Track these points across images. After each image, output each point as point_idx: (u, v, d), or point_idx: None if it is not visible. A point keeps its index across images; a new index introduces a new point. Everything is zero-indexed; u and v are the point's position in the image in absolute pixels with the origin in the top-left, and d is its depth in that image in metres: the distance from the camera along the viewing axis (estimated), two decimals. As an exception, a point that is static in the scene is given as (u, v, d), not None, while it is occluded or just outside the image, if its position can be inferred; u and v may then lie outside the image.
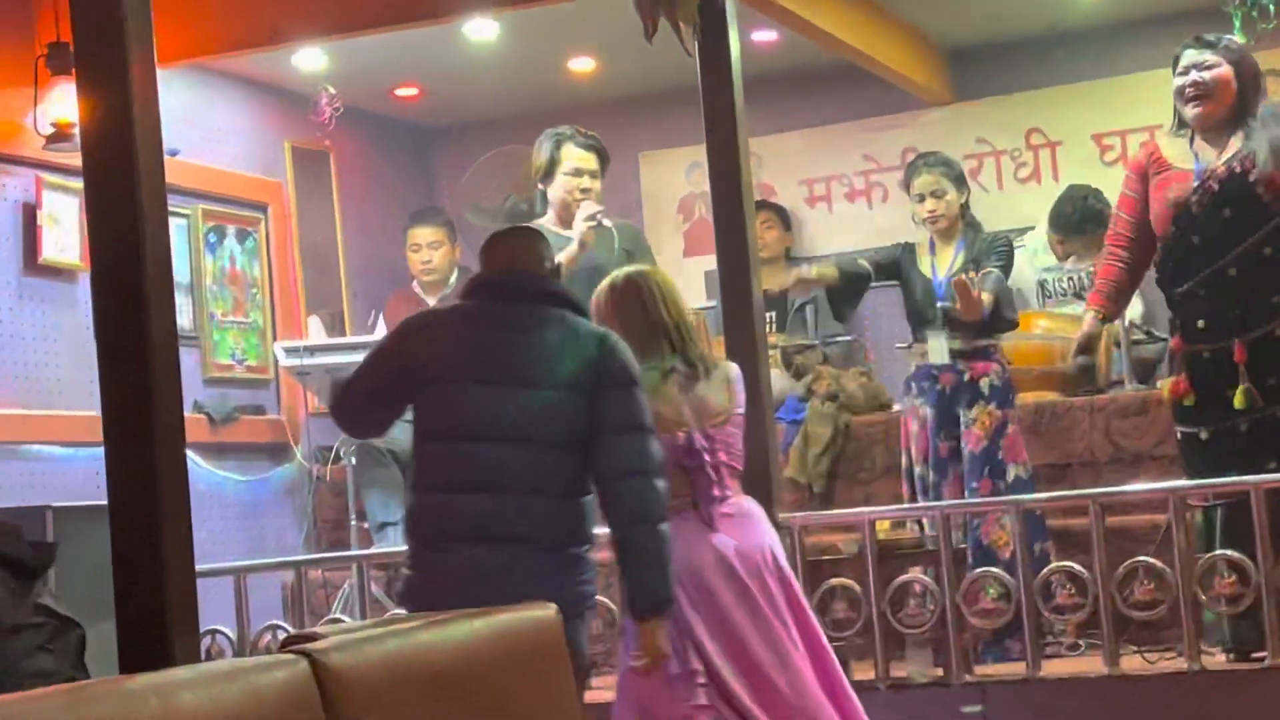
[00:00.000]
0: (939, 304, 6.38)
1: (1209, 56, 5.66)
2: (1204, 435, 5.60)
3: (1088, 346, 6.09)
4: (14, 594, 3.36)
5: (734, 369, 5.13)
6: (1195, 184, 5.60)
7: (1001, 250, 6.48)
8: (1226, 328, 5.53)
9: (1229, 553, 5.38)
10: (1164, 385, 5.79)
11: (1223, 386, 5.51)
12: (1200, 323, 5.59)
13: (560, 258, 6.38)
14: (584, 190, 6.61)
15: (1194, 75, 5.65)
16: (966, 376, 6.34)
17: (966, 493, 6.23)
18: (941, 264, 6.48)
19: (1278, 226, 5.52)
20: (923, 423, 6.38)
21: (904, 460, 6.50)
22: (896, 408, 6.94)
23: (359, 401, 4.61)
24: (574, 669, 3.33)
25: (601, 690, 5.26)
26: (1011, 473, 6.30)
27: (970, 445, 6.29)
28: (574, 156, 6.65)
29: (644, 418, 4.38)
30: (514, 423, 4.31)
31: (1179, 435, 5.73)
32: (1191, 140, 5.72)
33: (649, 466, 4.34)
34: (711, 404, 4.97)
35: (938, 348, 6.34)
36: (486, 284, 4.53)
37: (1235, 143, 5.62)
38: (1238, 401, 5.46)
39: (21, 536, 3.52)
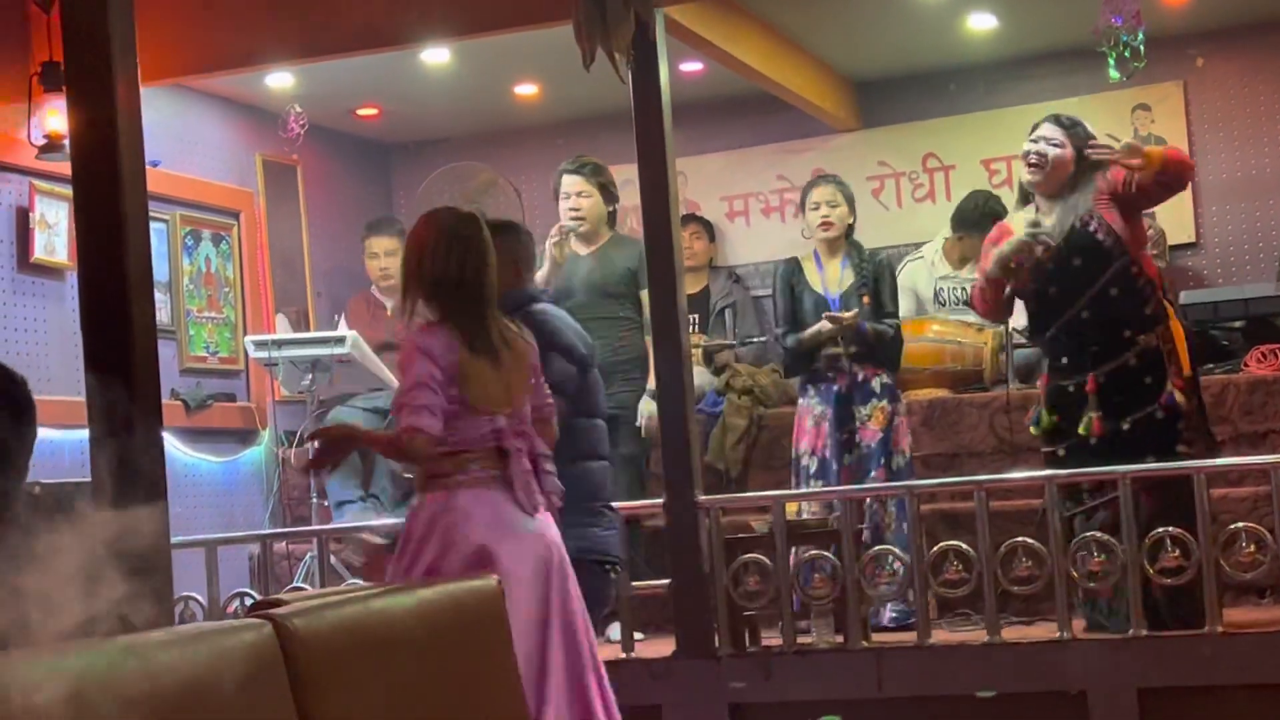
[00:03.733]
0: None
1: (1059, 135, 5.70)
2: (1060, 452, 5.67)
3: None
4: None
5: None
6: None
7: (892, 289, 6.58)
8: (1084, 363, 5.61)
9: (1098, 534, 5.44)
10: (1042, 421, 5.75)
11: (1079, 413, 5.59)
12: (1064, 360, 5.66)
13: (538, 277, 6.43)
14: (573, 210, 6.62)
15: (1040, 145, 5.70)
16: (860, 377, 6.39)
17: (864, 480, 6.26)
18: (831, 280, 6.50)
19: (1119, 269, 5.60)
20: (818, 420, 6.40)
21: (793, 452, 6.51)
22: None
23: None
24: None
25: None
26: (895, 460, 6.38)
27: (867, 438, 6.34)
28: (565, 184, 6.69)
29: None
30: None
31: (1044, 454, 5.80)
32: (1036, 208, 5.76)
33: None
34: None
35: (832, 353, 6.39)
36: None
37: (1065, 200, 5.69)
38: (1081, 428, 5.57)
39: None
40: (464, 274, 4.30)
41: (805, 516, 6.19)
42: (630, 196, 8.84)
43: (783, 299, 6.57)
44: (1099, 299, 5.60)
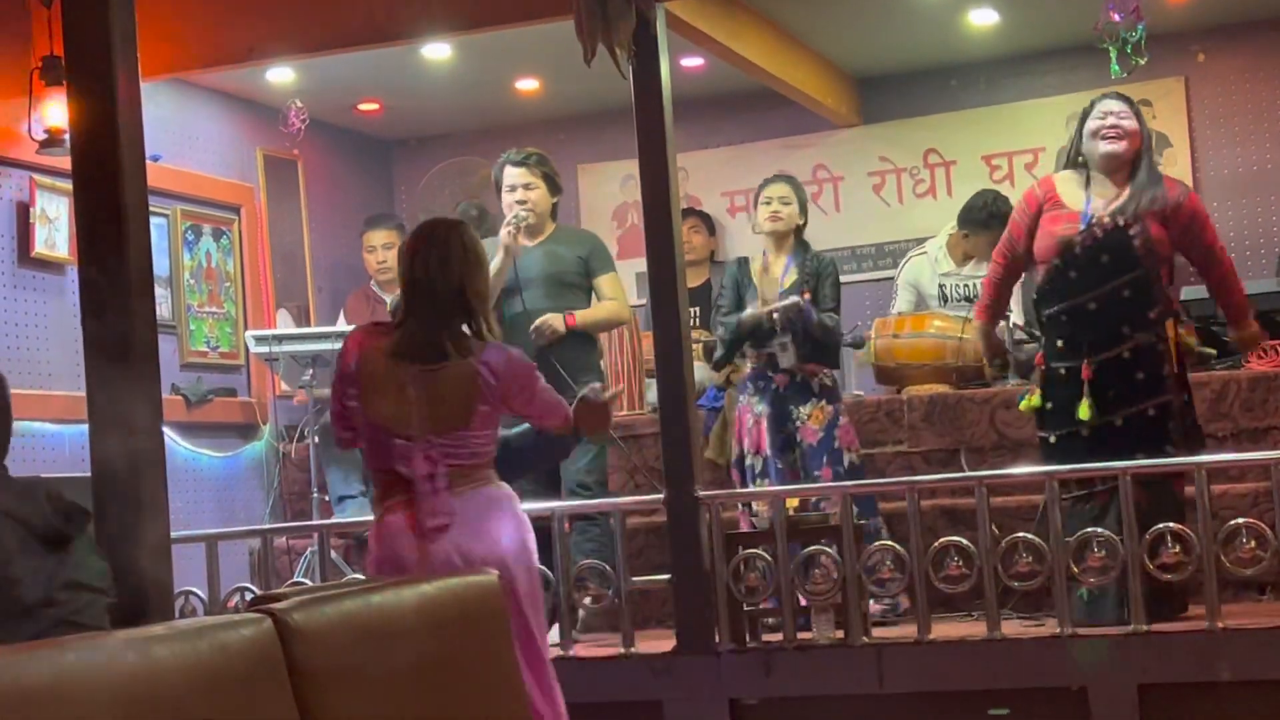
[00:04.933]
0: (775, 315, 6.42)
1: (1125, 107, 5.79)
2: (1052, 439, 5.74)
3: (991, 350, 6.20)
4: (39, 570, 2.92)
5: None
6: (1082, 226, 5.73)
7: (834, 286, 6.53)
8: (1079, 350, 5.67)
9: (1099, 530, 5.44)
10: (1027, 399, 5.90)
11: (1070, 399, 5.66)
12: (1059, 343, 5.74)
13: (492, 267, 6.41)
14: (520, 202, 6.53)
15: (1112, 120, 5.76)
16: (799, 378, 6.40)
17: (808, 480, 6.28)
18: (776, 276, 6.52)
19: (1139, 275, 5.67)
20: (757, 418, 6.42)
21: (735, 450, 6.51)
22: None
23: None
24: None
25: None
26: (846, 459, 6.40)
27: (808, 438, 6.37)
28: (510, 175, 6.58)
29: None
30: None
31: (1038, 438, 5.89)
32: (1088, 182, 5.81)
33: None
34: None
35: (787, 355, 6.38)
36: None
37: (1124, 192, 5.75)
38: (1081, 413, 5.62)
39: (48, 499, 3.07)
40: (425, 274, 4.29)
41: (755, 516, 6.23)
42: (631, 192, 8.87)
43: (728, 293, 6.60)
44: (1110, 296, 5.66)
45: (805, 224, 6.64)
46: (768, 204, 6.56)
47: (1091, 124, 5.80)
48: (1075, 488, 5.66)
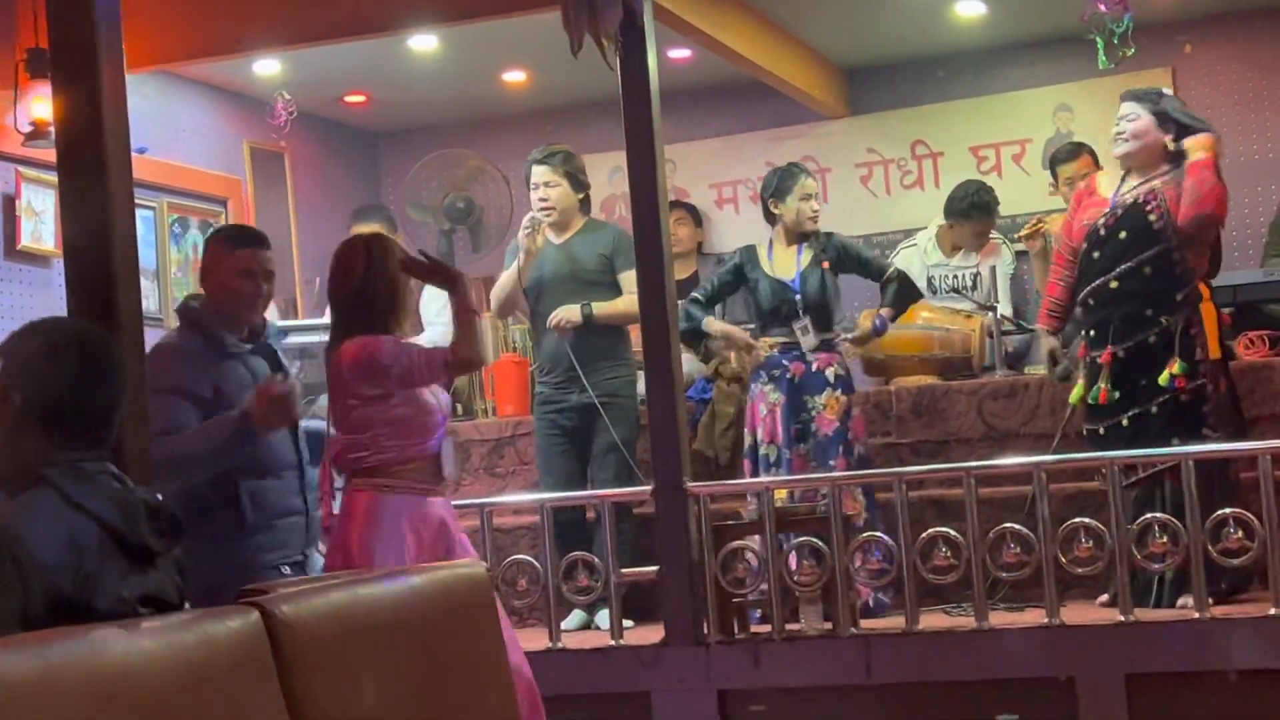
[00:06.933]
0: (796, 298, 6.42)
1: (1134, 109, 5.92)
2: (1101, 431, 5.82)
3: (1054, 359, 6.21)
4: (116, 575, 2.78)
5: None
6: (1107, 210, 5.88)
7: (858, 252, 6.65)
8: (1105, 336, 5.79)
9: (1086, 520, 5.46)
10: (1075, 394, 5.96)
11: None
12: (1092, 331, 5.88)
13: (514, 266, 6.48)
14: (542, 200, 6.57)
15: (1121, 125, 5.92)
16: (814, 366, 6.39)
17: (821, 469, 6.23)
18: (787, 265, 6.50)
19: (1160, 251, 5.76)
20: (771, 407, 6.38)
21: (748, 440, 6.50)
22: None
23: None
24: None
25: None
26: (857, 450, 6.37)
27: (824, 428, 6.32)
28: (535, 174, 6.62)
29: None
30: None
31: (1085, 432, 5.94)
32: (1126, 175, 5.97)
33: None
34: None
35: (809, 338, 6.39)
36: None
37: (1151, 177, 5.88)
38: (1090, 397, 5.78)
39: (146, 511, 2.93)
40: (331, 291, 4.81)
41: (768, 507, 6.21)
42: (619, 184, 8.86)
43: (724, 277, 6.62)
44: (1131, 274, 5.78)
45: None
46: (806, 199, 6.52)
47: (1112, 130, 6.00)
48: (1123, 476, 5.68)
